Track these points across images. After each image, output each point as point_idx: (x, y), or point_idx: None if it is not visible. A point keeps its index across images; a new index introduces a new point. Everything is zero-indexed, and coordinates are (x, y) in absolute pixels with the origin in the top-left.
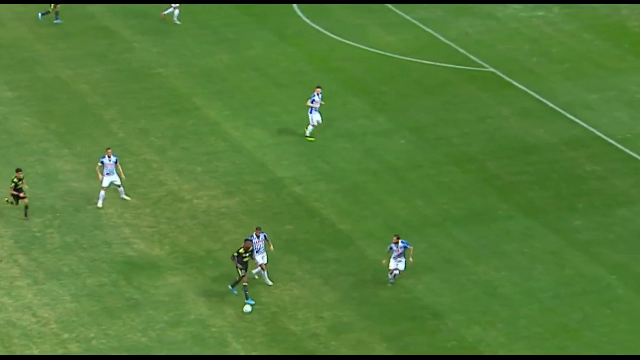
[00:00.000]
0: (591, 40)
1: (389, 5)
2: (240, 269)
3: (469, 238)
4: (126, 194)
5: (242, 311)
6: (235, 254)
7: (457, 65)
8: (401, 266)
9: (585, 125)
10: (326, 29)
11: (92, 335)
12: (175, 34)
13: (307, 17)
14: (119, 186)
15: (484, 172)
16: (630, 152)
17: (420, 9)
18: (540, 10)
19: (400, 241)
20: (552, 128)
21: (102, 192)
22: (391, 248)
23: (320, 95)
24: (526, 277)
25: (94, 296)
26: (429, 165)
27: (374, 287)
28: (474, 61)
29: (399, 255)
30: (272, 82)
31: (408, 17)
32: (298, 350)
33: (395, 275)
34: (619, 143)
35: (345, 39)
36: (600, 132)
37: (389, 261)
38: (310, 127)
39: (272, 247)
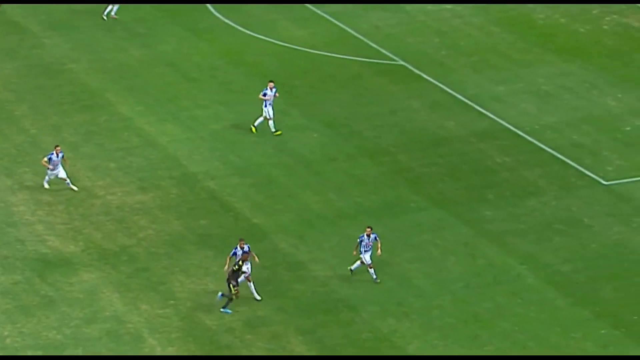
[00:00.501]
0: (498, 33)
1: None
2: (234, 286)
3: (382, 230)
4: (73, 184)
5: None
6: (235, 267)
7: (368, 58)
8: (367, 258)
9: (494, 117)
10: (238, 24)
11: (6, 333)
12: (86, 29)
13: (219, 12)
14: (63, 179)
15: (396, 165)
16: (538, 144)
17: (330, 3)
18: (448, 3)
19: (372, 233)
20: (462, 120)
21: (47, 178)
22: (362, 240)
23: (274, 89)
24: (438, 268)
25: (7, 294)
26: (342, 158)
27: (288, 281)
28: (384, 54)
29: (369, 247)
30: (184, 77)
31: (318, 11)
32: (214, 344)
33: (355, 269)
34: (527, 134)
35: (257, 33)
36: (509, 123)
37: (359, 253)
38: (269, 122)
39: (257, 259)
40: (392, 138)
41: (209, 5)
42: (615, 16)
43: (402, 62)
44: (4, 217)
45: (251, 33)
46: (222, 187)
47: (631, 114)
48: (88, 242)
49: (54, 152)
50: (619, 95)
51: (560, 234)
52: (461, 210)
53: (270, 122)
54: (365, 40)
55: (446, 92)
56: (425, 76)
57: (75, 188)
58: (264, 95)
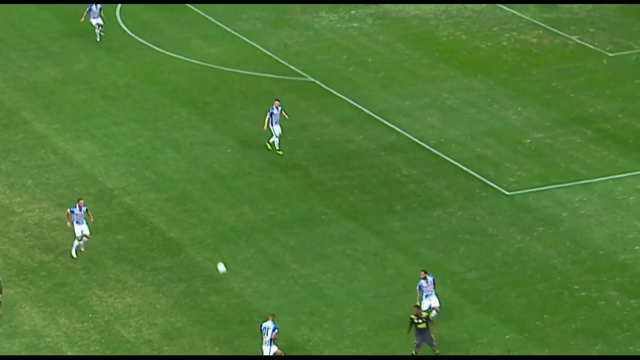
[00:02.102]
0: (404, 50)
1: (210, 18)
2: (416, 339)
3: (295, 242)
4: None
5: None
6: (418, 323)
7: (278, 75)
8: (435, 302)
9: (401, 131)
10: (150, 42)
11: None
12: (0, 49)
13: (132, 31)
14: (85, 236)
15: (307, 178)
16: (443, 156)
17: (240, 21)
18: (355, 21)
19: (427, 275)
20: (371, 134)
21: (76, 242)
22: (420, 286)
23: (279, 108)
24: (350, 278)
25: None
26: (255, 172)
27: (204, 293)
28: (294, 71)
29: (429, 292)
30: (100, 95)
31: (229, 29)
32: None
33: (434, 315)
34: (433, 147)
35: (170, 51)
36: (415, 137)
37: (421, 301)
38: (274, 139)
39: (280, 352)
40: (304, 152)
41: (122, 25)
42: (514, 33)
43: (312, 79)
44: None
45: (164, 51)
46: (138, 203)
47: (531, 126)
48: (6, 258)
49: (77, 206)
50: (519, 109)
51: (466, 243)
52: (371, 222)
53: (275, 140)
54: (275, 57)
55: (355, 107)
56: (334, 92)
57: (83, 249)
58: (271, 114)
